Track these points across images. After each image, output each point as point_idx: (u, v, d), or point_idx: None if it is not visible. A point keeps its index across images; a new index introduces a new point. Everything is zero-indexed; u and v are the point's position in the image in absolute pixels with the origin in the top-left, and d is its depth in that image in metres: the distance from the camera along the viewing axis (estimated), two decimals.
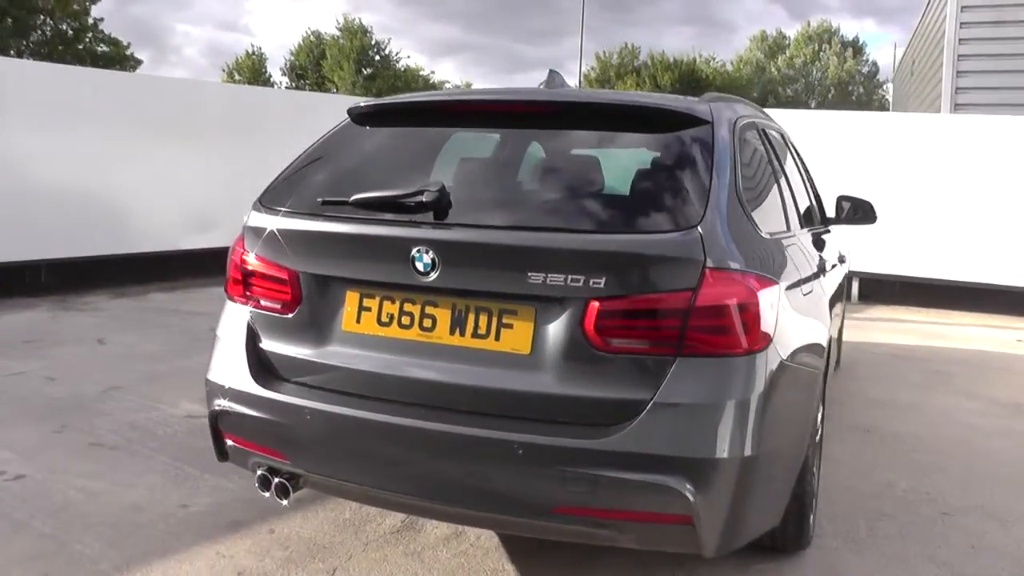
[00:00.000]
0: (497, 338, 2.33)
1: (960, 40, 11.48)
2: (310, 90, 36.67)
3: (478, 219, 2.42)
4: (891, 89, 23.17)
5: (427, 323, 2.41)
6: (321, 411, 2.44)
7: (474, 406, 2.34)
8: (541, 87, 3.16)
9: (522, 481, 2.25)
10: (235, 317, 2.73)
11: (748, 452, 2.19)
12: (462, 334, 2.37)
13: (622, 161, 2.56)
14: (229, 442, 2.69)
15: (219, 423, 2.68)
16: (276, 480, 2.58)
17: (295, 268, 2.57)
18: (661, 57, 42.36)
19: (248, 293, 2.69)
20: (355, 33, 40.37)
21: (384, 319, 2.46)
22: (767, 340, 2.27)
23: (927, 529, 3.25)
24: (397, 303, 2.45)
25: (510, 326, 2.33)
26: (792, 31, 69.50)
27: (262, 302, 2.66)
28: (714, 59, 51.27)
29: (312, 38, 43.04)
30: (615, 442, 2.16)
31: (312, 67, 41.89)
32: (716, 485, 2.16)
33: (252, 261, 2.68)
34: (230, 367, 2.66)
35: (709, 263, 2.19)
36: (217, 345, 2.77)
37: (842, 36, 59.33)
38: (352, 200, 2.51)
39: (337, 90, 37.09)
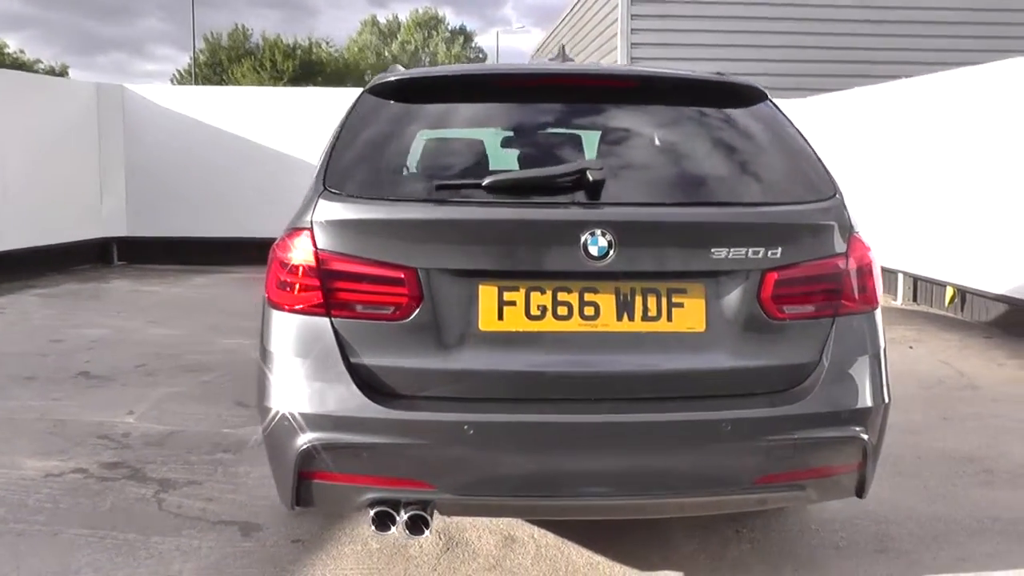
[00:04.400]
0: (669, 319, 2.24)
1: (632, 30, 12.99)
2: None
3: (645, 197, 2.28)
4: None
5: (589, 311, 2.22)
6: (487, 423, 2.13)
7: (660, 391, 2.24)
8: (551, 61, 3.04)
9: (730, 457, 2.21)
10: (305, 330, 2.22)
11: (887, 399, 2.38)
12: (631, 318, 2.23)
13: (710, 134, 2.55)
14: (321, 482, 2.21)
15: (308, 463, 2.17)
16: (407, 515, 2.18)
17: (414, 265, 2.18)
18: (276, 40, 41.10)
19: (332, 300, 2.21)
20: None
21: (535, 312, 2.21)
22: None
23: None
24: (549, 293, 2.21)
25: (681, 305, 2.24)
26: (369, 16, 72.12)
27: (359, 308, 2.21)
28: (329, 43, 51.16)
29: None
30: (809, 404, 2.22)
31: None
32: (878, 430, 2.33)
33: (339, 261, 2.20)
34: (320, 391, 2.18)
35: (853, 228, 2.34)
36: (277, 367, 2.25)
37: (448, 24, 63.22)
38: (489, 183, 2.21)
39: None
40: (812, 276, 2.29)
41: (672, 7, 13.09)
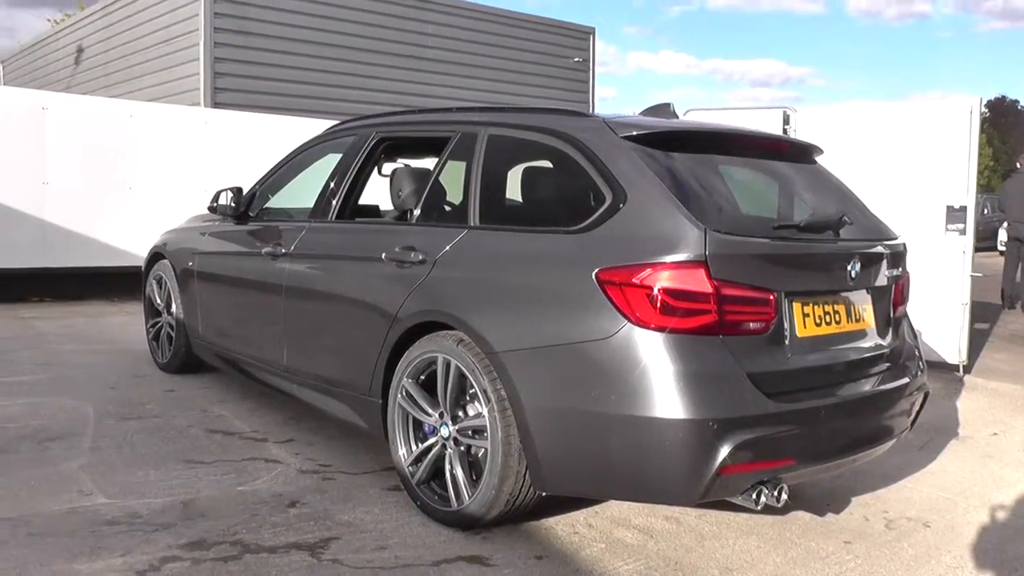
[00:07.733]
0: (862, 320, 3.25)
1: (216, 43, 12.57)
2: None
3: (859, 235, 3.24)
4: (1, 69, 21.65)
5: (838, 318, 3.12)
6: (831, 404, 2.91)
7: (871, 368, 3.24)
8: (642, 113, 3.74)
9: (904, 408, 3.31)
10: (702, 347, 2.69)
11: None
12: (852, 321, 3.19)
13: (841, 186, 3.61)
14: (727, 475, 2.68)
15: (728, 459, 2.64)
16: (775, 488, 2.78)
17: (775, 288, 2.81)
18: None
19: (723, 320, 2.70)
20: None
21: (816, 320, 3.02)
22: None
23: None
24: (820, 306, 3.05)
25: (866, 309, 3.28)
26: None
27: (741, 325, 2.76)
28: None
29: None
30: (917, 372, 3.46)
31: None
32: None
33: (730, 288, 2.71)
34: (734, 397, 2.70)
35: None
36: (667, 380, 2.64)
37: None
38: (803, 225, 2.97)
39: None
40: (905, 286, 3.54)
41: (254, 25, 13.09)
